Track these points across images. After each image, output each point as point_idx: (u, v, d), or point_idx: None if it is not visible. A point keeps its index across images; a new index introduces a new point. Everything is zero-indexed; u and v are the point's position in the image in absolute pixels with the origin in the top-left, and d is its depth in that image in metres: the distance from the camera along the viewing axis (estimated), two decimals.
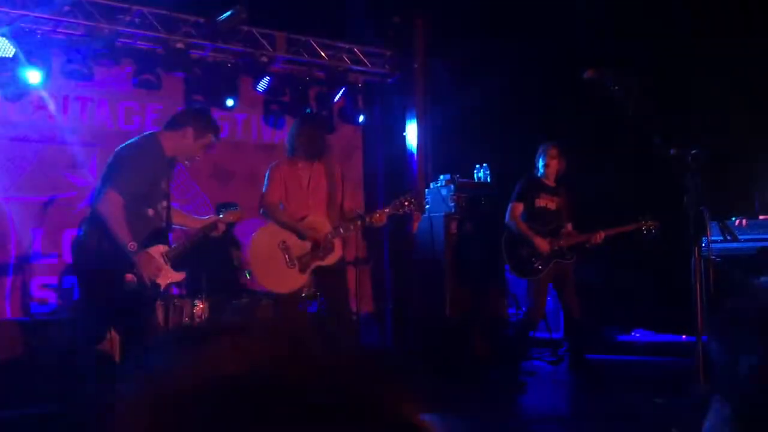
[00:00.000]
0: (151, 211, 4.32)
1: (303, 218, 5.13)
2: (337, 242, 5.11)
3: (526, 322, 6.09)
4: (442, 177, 7.49)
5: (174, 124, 4.45)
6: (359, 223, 5.13)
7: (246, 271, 5.42)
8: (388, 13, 8.36)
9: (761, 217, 6.55)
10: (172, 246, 4.52)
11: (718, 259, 5.80)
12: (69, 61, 6.80)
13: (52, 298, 6.82)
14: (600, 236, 6.01)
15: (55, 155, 7.02)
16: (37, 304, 6.74)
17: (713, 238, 6.07)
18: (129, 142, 4.43)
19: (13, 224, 6.83)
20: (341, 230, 5.08)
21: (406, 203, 5.10)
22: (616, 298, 7.25)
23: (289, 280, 5.04)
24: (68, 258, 6.98)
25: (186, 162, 4.64)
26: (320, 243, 5.03)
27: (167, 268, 4.41)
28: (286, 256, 5.05)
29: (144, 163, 4.27)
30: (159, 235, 4.42)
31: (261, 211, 5.29)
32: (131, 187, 4.17)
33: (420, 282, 7.54)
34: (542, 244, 5.93)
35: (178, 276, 4.61)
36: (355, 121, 8.64)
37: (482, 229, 7.19)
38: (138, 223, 4.21)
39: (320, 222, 5.10)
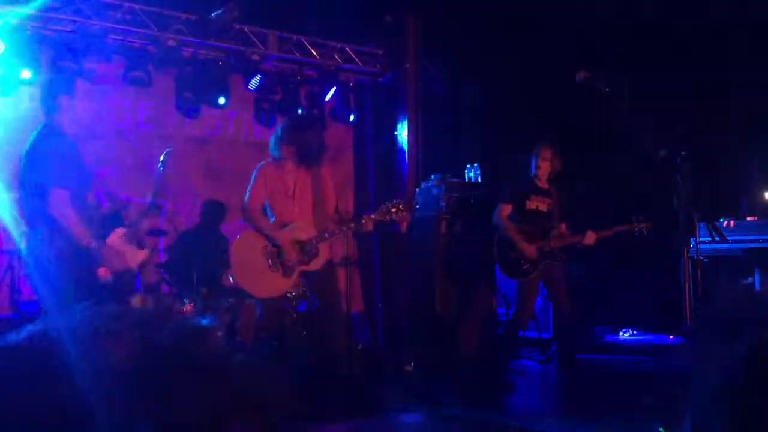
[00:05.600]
0: (90, 196, 4.21)
1: (287, 223, 5.00)
2: (323, 246, 4.99)
3: (514, 322, 6.10)
4: (433, 177, 7.50)
5: (53, 105, 4.24)
6: (344, 228, 5.00)
7: (230, 275, 5.32)
8: (380, 13, 8.37)
9: (749, 218, 6.60)
10: (128, 226, 4.38)
11: (706, 260, 5.84)
12: (59, 58, 6.77)
13: None
14: (591, 237, 5.97)
15: None
16: (25, 301, 6.70)
17: (702, 238, 6.11)
18: (32, 140, 4.19)
19: (2, 221, 6.79)
20: (326, 235, 4.96)
21: (393, 210, 4.95)
22: (605, 298, 7.27)
23: (272, 285, 4.94)
24: None
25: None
26: (303, 249, 4.95)
27: (131, 248, 4.30)
28: (269, 260, 4.94)
29: (60, 148, 4.07)
30: (112, 219, 4.32)
31: (242, 213, 5.15)
32: (66, 176, 3.98)
33: (410, 281, 7.54)
34: (529, 251, 5.91)
35: (144, 253, 4.50)
36: (347, 120, 8.64)
37: (472, 228, 7.20)
38: (86, 212, 4.08)
39: (305, 227, 4.99)
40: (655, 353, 6.94)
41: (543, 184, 6.11)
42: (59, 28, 6.82)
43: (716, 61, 6.96)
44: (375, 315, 8.49)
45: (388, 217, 5.00)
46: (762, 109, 6.77)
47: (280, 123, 5.53)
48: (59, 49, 6.80)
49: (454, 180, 7.45)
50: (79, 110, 7.34)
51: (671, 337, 7.21)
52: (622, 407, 5.08)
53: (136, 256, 4.31)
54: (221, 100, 7.69)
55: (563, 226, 6.12)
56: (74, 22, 6.76)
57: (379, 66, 8.61)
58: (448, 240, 7.26)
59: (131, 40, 7.19)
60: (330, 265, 5.11)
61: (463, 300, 7.20)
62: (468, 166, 7.66)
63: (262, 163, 5.18)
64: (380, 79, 8.70)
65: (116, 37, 7.06)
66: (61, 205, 3.93)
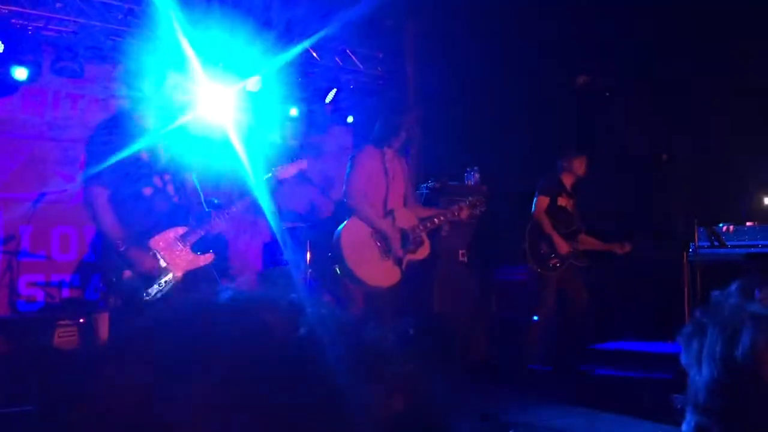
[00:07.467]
0: (148, 190, 3.76)
1: (389, 212, 4.79)
2: (425, 236, 4.84)
3: (541, 324, 6.13)
4: (430, 181, 7.50)
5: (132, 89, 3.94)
6: (443, 217, 4.89)
7: (335, 266, 4.89)
8: (380, 15, 8.38)
9: (748, 224, 6.59)
10: (193, 226, 3.83)
11: (705, 266, 5.85)
12: (60, 58, 6.78)
13: (39, 295, 6.78)
14: (627, 247, 6.18)
15: (45, 152, 6.99)
16: (24, 301, 6.70)
17: (701, 243, 6.11)
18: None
19: (2, 221, 6.79)
20: (428, 224, 4.81)
21: (478, 204, 4.86)
22: (604, 305, 7.27)
23: (387, 273, 4.67)
24: (57, 255, 6.96)
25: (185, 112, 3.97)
26: (408, 238, 4.75)
27: (185, 252, 3.77)
28: (379, 245, 4.70)
29: (105, 138, 3.73)
30: (171, 215, 3.79)
31: (344, 199, 4.82)
32: (104, 171, 3.63)
33: (410, 284, 7.52)
34: (562, 246, 6.05)
35: (201, 259, 3.84)
36: (347, 122, 8.65)
37: (471, 231, 7.20)
38: (137, 207, 3.69)
39: (407, 216, 4.82)
40: (655, 360, 6.93)
41: (569, 185, 6.27)
42: (60, 28, 6.82)
43: (713, 64, 6.97)
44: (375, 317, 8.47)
45: (477, 211, 4.93)
46: (761, 112, 6.78)
47: (395, 107, 5.35)
48: (60, 50, 6.80)
49: (453, 183, 7.45)
50: (80, 110, 7.35)
51: (671, 343, 7.21)
52: (622, 413, 5.07)
53: (185, 263, 3.77)
54: None
55: (584, 233, 6.28)
56: (76, 23, 6.76)
57: (379, 69, 8.62)
58: (447, 242, 7.25)
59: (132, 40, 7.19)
60: (430, 257, 5.00)
61: (463, 303, 7.20)
62: (468, 169, 7.66)
63: (360, 148, 4.98)
64: (380, 82, 8.71)
65: (117, 38, 7.07)
66: (93, 200, 3.66)
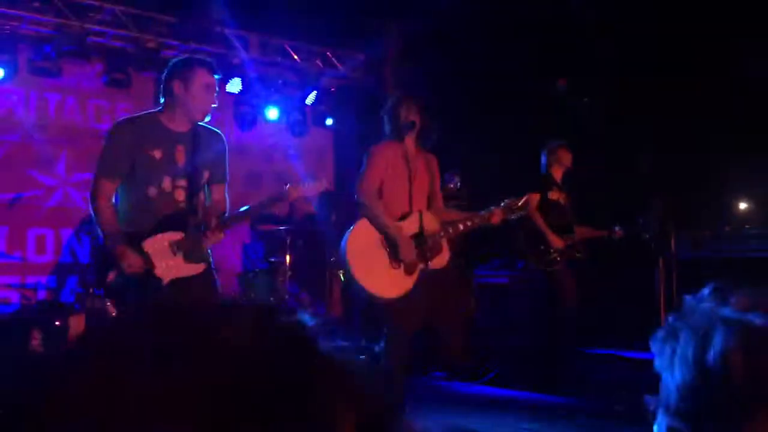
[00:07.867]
0: (152, 191, 3.61)
1: (407, 214, 4.34)
2: (445, 243, 4.36)
3: (561, 318, 6.13)
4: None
5: (163, 94, 3.74)
6: (469, 223, 4.35)
7: (340, 272, 4.42)
8: (362, 18, 8.39)
9: (726, 229, 6.67)
10: (189, 233, 3.64)
11: (682, 271, 5.91)
12: (37, 57, 6.72)
13: (14, 297, 6.70)
14: (620, 232, 6.24)
15: (21, 153, 6.91)
16: None
17: (679, 249, 6.18)
18: None
19: None
20: (451, 230, 4.34)
21: (521, 204, 4.40)
22: (582, 310, 7.32)
23: (395, 283, 4.25)
24: (32, 257, 6.88)
25: (203, 117, 3.82)
26: (424, 243, 4.28)
27: (174, 260, 3.62)
28: (388, 252, 4.25)
29: (116, 135, 3.65)
30: (171, 220, 3.64)
31: (356, 199, 4.33)
32: (110, 165, 3.58)
33: None
34: (555, 241, 6.09)
35: (192, 269, 3.68)
36: (327, 124, 8.64)
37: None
38: (140, 207, 3.60)
39: (430, 218, 4.37)
40: (631, 365, 6.98)
41: (558, 179, 6.29)
42: (39, 28, 6.76)
43: (691, 71, 7.04)
44: (353, 317, 8.47)
45: (512, 215, 4.47)
46: (740, 117, 6.86)
47: (394, 97, 4.63)
48: (37, 50, 6.74)
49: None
50: (57, 110, 7.28)
51: (645, 351, 7.24)
52: (598, 416, 5.10)
53: (172, 269, 3.63)
54: None
55: (579, 224, 6.32)
56: (54, 22, 6.70)
57: (360, 70, 8.62)
58: None
59: (111, 41, 7.14)
60: (450, 265, 4.52)
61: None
62: (447, 174, 7.67)
63: (378, 144, 4.49)
64: (361, 84, 8.71)
65: (96, 39, 7.02)
66: (95, 193, 3.59)
